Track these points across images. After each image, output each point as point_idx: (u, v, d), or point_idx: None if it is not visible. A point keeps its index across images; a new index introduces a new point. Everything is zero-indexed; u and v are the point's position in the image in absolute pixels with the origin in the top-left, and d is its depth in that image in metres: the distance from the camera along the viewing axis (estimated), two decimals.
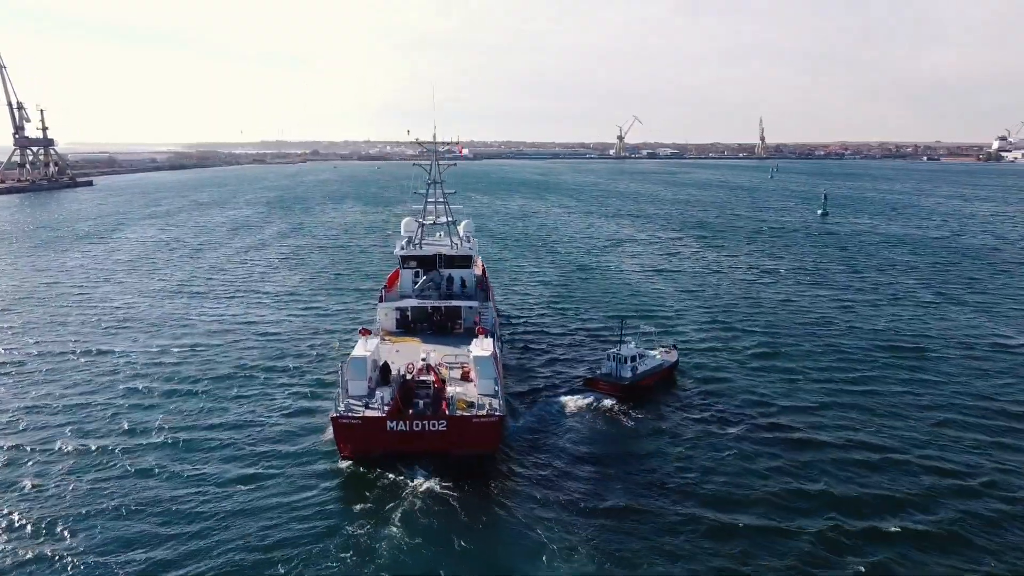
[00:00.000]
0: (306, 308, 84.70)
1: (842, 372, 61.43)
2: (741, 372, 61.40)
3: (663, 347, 62.44)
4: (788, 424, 51.00)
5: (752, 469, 44.46)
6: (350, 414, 45.48)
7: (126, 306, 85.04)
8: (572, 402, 54.80)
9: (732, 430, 50.05)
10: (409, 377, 50.62)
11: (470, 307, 65.22)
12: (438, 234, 73.88)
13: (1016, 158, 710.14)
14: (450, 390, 48.72)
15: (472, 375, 50.43)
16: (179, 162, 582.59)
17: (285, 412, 53.36)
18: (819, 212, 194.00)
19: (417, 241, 68.53)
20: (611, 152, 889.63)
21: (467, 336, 59.72)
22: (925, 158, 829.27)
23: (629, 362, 56.14)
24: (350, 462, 44.92)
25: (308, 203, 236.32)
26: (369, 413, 45.61)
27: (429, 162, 69.13)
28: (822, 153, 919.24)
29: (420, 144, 71.47)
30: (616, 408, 53.69)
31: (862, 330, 73.97)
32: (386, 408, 46.05)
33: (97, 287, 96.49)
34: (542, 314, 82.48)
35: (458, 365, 53.05)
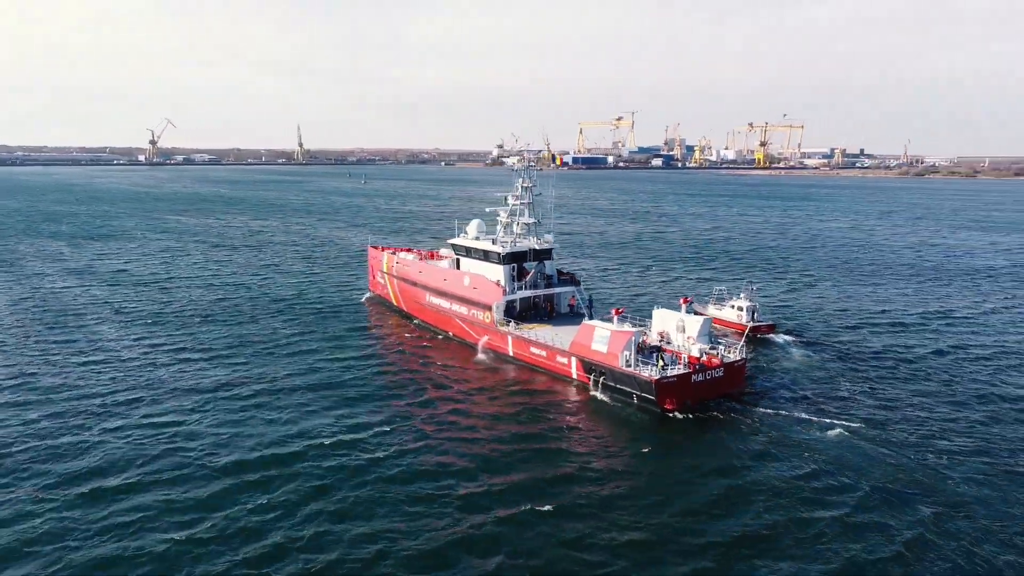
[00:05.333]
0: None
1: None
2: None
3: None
4: None
5: None
6: (670, 375, 56.67)
7: None
8: None
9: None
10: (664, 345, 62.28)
11: (565, 293, 76.63)
12: (464, 232, 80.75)
13: (513, 164, 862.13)
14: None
15: (691, 335, 63.66)
16: None
17: None
18: None
19: (508, 240, 75.54)
20: (141, 159, 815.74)
21: (565, 318, 72.91)
22: (443, 164, 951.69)
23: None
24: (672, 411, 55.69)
25: None
26: (677, 372, 57.23)
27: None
28: (355, 160, 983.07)
29: None
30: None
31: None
32: (683, 369, 57.72)
33: None
34: None
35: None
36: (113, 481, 42.66)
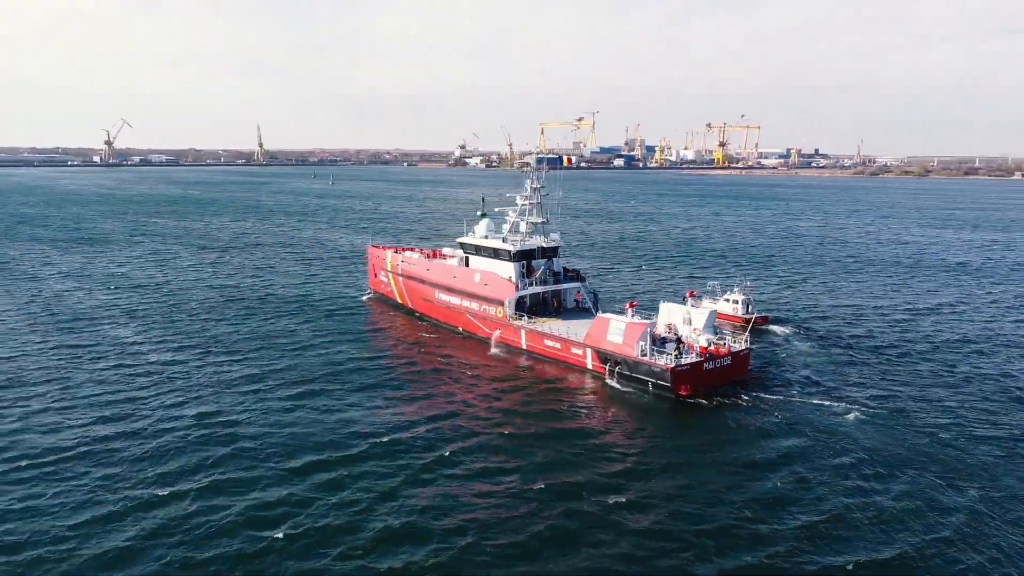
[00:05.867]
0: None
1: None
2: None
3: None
4: None
5: None
6: (684, 364, 60.92)
7: None
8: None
9: None
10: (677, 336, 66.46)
11: (571, 289, 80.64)
12: (473, 231, 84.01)
13: (475, 163, 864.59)
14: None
15: (697, 327, 67.96)
16: None
17: None
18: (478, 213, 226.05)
19: (516, 239, 79.06)
20: (96, 159, 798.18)
21: (571, 313, 77.61)
22: (405, 164, 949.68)
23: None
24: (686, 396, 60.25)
25: None
26: (690, 360, 61.51)
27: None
28: (316, 160, 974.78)
29: None
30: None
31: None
32: (696, 358, 62.09)
33: None
34: None
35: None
36: (192, 483, 43.85)
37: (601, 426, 54.93)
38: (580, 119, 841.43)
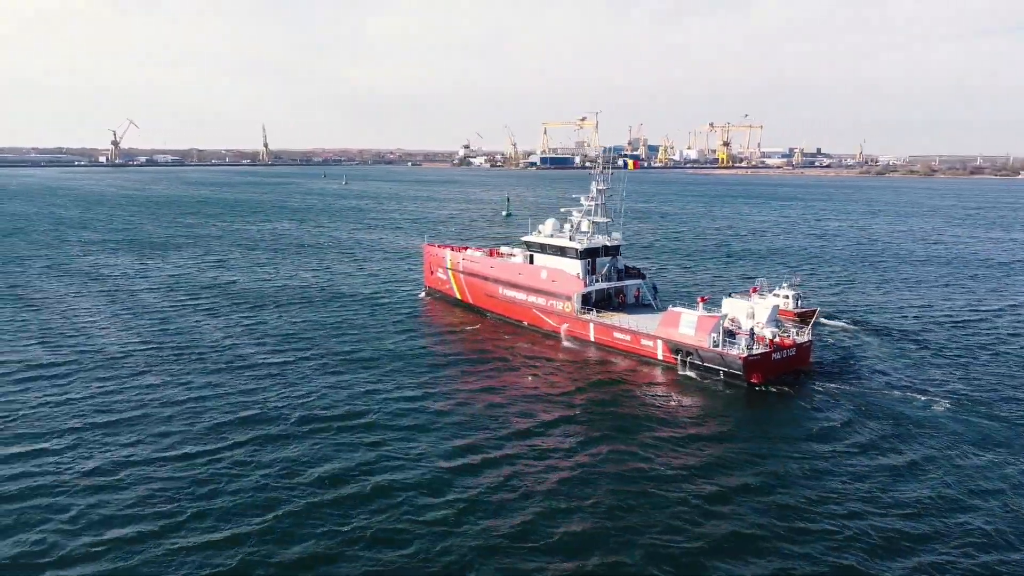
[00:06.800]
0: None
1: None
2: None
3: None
4: None
5: None
6: (756, 354, 65.36)
7: None
8: None
9: None
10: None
11: (633, 285, 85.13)
12: (539, 228, 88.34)
13: (480, 163, 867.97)
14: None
15: (760, 320, 72.44)
16: None
17: None
18: (504, 214, 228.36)
19: (581, 237, 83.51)
20: (102, 159, 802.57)
21: (632, 308, 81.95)
22: (409, 164, 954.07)
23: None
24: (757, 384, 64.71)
25: None
26: (761, 351, 65.98)
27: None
28: (320, 160, 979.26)
29: None
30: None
31: None
32: (765, 349, 66.60)
33: None
34: None
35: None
36: (355, 486, 44.85)
37: (679, 411, 59.15)
38: (583, 119, 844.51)
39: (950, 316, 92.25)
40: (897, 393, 62.44)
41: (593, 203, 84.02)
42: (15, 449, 49.10)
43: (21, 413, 55.55)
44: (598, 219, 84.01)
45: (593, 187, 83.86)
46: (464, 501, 42.64)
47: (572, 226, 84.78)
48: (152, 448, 49.47)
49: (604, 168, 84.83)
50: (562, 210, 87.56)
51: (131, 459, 47.81)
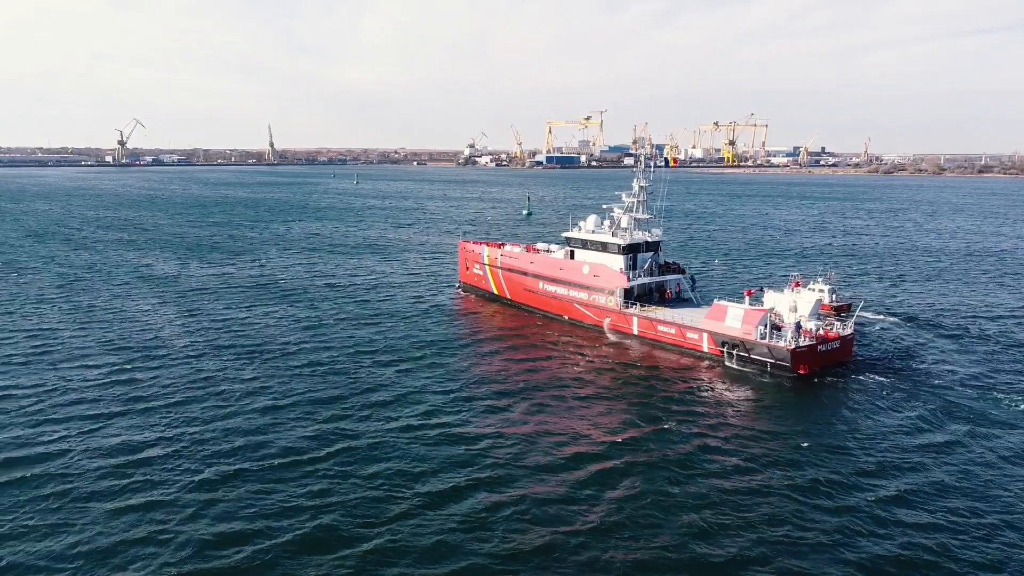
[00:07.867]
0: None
1: None
2: None
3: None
4: None
5: None
6: (803, 345, 67.07)
7: None
8: None
9: None
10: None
11: (673, 280, 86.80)
12: (578, 225, 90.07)
13: (485, 163, 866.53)
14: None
15: (803, 313, 74.06)
16: None
17: None
18: (524, 213, 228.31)
19: (623, 233, 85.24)
20: (109, 159, 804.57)
21: (672, 302, 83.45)
22: (415, 163, 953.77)
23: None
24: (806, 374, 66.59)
25: None
26: (807, 343, 67.70)
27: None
28: (325, 160, 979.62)
29: None
30: None
31: None
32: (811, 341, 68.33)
33: None
34: None
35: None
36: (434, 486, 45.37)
37: (730, 400, 61.23)
38: (588, 118, 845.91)
39: (990, 310, 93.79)
40: (949, 386, 64.05)
41: (634, 200, 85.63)
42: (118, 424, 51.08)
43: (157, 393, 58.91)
44: (639, 216, 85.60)
45: (635, 184, 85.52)
46: (524, 498, 43.56)
47: (614, 222, 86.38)
48: (243, 428, 51.58)
49: (645, 167, 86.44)
50: (604, 207, 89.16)
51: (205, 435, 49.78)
